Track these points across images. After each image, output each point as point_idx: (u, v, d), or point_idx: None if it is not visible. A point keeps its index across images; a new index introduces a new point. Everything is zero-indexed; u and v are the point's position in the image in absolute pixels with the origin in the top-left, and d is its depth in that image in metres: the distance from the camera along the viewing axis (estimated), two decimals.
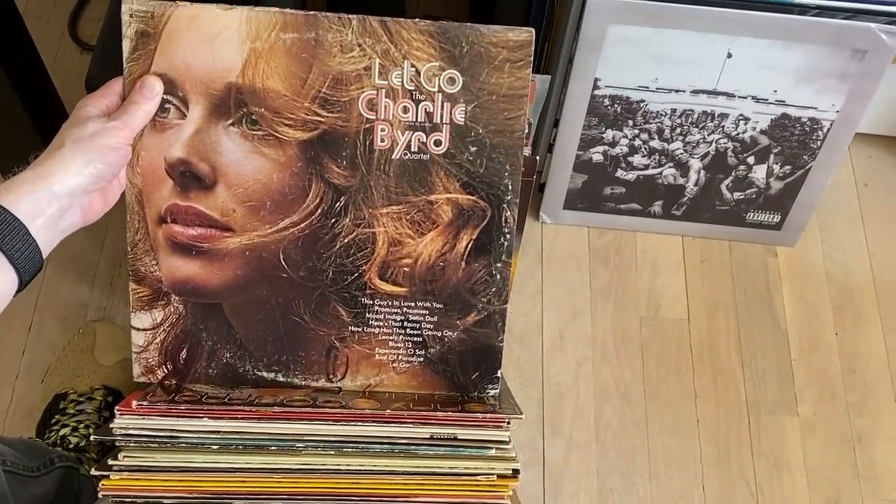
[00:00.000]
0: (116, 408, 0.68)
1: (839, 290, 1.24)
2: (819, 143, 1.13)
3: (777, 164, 1.16)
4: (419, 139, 0.71)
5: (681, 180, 1.19)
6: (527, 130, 0.73)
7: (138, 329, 0.75)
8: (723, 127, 1.12)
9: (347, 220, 0.72)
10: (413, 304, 0.74)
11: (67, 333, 1.11)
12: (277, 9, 0.68)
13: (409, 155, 0.71)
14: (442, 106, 0.70)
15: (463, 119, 0.70)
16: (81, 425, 0.97)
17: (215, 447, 0.68)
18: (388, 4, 1.03)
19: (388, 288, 0.74)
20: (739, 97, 1.09)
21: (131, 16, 0.68)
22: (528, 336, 1.18)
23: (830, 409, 1.15)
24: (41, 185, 0.61)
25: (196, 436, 0.68)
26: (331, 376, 0.75)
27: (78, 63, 1.33)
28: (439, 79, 0.69)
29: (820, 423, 1.14)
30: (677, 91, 1.09)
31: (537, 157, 0.90)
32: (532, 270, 1.22)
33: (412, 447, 0.68)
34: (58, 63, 1.33)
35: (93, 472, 0.68)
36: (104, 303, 1.15)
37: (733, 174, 1.18)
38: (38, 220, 0.60)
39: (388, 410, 0.69)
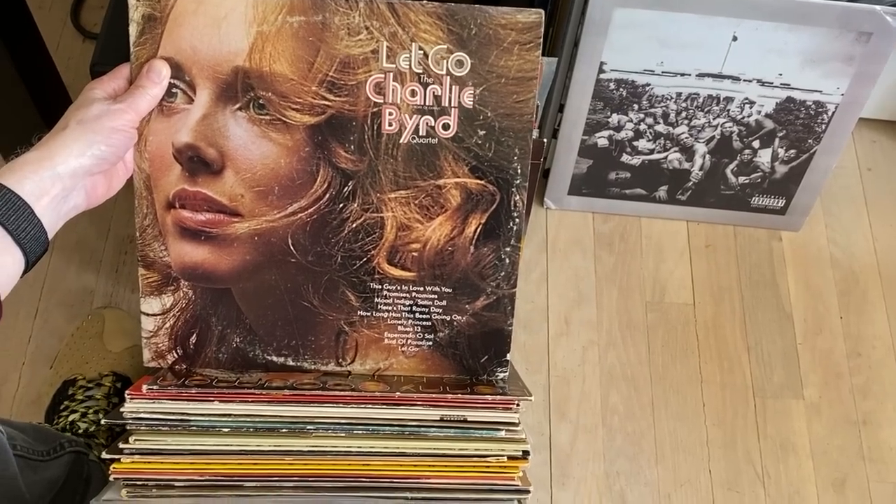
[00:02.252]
0: (127, 392, 0.68)
1: (844, 275, 1.24)
2: (824, 126, 1.13)
3: (782, 148, 1.16)
4: (427, 123, 0.70)
5: (686, 165, 1.19)
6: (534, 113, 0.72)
7: (148, 314, 0.75)
8: (728, 111, 1.12)
9: (355, 205, 0.72)
10: (422, 289, 0.74)
11: (76, 320, 1.11)
12: None
13: (417, 139, 0.71)
14: (450, 89, 0.70)
15: (471, 102, 0.70)
16: (90, 411, 0.98)
17: (226, 430, 0.68)
18: None
19: (397, 272, 0.74)
20: (745, 80, 1.09)
21: None
22: (534, 322, 1.18)
23: (836, 392, 1.15)
24: (45, 165, 0.61)
25: (207, 419, 0.68)
26: (340, 360, 0.75)
27: (80, 50, 1.33)
28: (447, 61, 0.69)
29: (825, 405, 1.14)
30: (683, 75, 1.08)
31: (544, 140, 0.90)
32: (537, 256, 1.23)
33: (422, 429, 0.68)
34: (60, 50, 1.33)
35: (104, 455, 0.68)
36: (110, 289, 1.15)
37: (738, 158, 1.18)
38: (42, 201, 0.60)
39: (397, 393, 0.69)
